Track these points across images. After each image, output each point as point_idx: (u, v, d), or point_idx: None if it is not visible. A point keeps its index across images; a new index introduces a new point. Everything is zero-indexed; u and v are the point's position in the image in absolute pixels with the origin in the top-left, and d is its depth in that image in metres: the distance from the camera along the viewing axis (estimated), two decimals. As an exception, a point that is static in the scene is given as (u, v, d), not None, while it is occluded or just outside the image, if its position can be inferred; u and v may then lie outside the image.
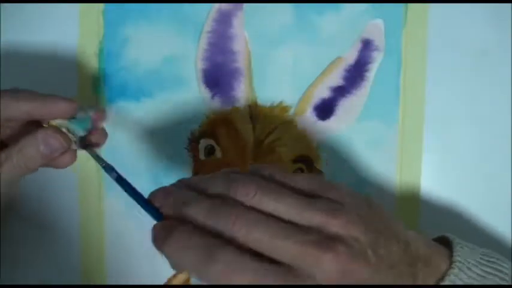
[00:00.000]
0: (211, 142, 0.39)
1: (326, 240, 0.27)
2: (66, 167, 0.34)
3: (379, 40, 0.39)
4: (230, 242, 0.27)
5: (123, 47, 0.38)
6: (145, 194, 0.38)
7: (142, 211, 0.29)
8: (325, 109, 0.40)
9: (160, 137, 0.39)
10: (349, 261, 0.27)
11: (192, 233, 0.27)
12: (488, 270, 0.31)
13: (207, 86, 0.39)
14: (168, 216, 0.29)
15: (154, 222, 0.29)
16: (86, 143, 0.34)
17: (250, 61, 0.39)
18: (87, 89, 0.38)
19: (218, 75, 0.39)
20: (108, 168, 0.32)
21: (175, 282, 0.40)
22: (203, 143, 0.39)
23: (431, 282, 0.31)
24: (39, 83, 0.38)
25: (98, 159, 0.33)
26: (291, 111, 0.39)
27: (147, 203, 0.29)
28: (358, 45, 0.39)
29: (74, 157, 0.34)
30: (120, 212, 0.39)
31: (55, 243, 0.39)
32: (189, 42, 0.38)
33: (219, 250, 0.27)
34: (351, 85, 0.40)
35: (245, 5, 0.38)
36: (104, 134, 0.35)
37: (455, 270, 0.31)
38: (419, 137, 0.40)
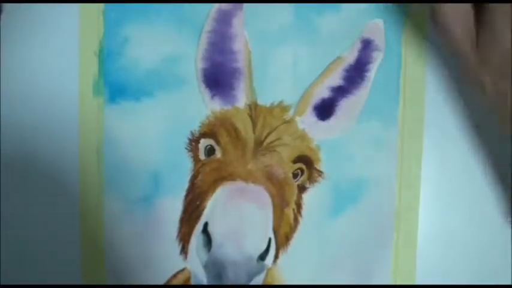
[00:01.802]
0: (211, 142, 0.39)
1: None
2: None
3: (379, 40, 0.40)
4: None
5: (123, 47, 0.38)
6: (143, 195, 0.39)
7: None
8: (325, 109, 0.40)
9: (161, 137, 0.39)
10: None
11: None
12: None
13: (207, 86, 0.39)
14: None
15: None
16: None
17: (250, 61, 0.39)
18: (87, 88, 0.38)
19: (218, 75, 0.39)
20: None
21: (175, 282, 0.40)
22: (203, 143, 0.39)
23: None
24: (39, 83, 0.38)
25: None
26: (291, 111, 0.39)
27: None
28: (358, 45, 0.39)
29: None
30: (120, 212, 0.39)
31: (55, 243, 0.39)
32: (189, 42, 0.38)
33: None
34: (351, 85, 0.40)
35: (245, 5, 0.38)
36: None
37: None
38: (419, 137, 0.40)
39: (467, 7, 0.32)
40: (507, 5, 0.31)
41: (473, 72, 0.32)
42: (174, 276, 0.40)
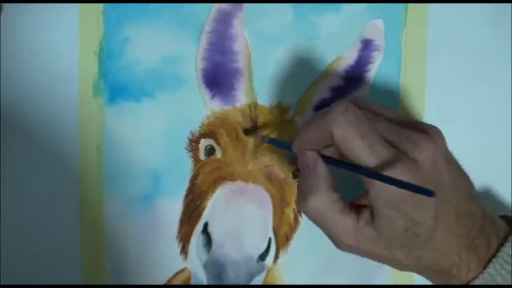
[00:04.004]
0: (211, 142, 0.39)
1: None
2: None
3: (379, 40, 0.40)
4: None
5: (123, 47, 0.38)
6: (143, 195, 0.39)
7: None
8: (325, 109, 0.40)
9: (161, 137, 0.39)
10: (441, 153, 0.32)
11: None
12: None
13: (207, 86, 0.39)
14: None
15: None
16: None
17: (250, 61, 0.39)
18: (87, 89, 0.38)
19: (218, 75, 0.39)
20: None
21: (176, 282, 0.40)
22: (203, 143, 0.39)
23: (494, 240, 0.33)
24: (39, 84, 0.38)
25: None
26: (291, 111, 0.39)
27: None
28: (358, 45, 0.39)
29: None
30: (120, 212, 0.39)
31: (55, 244, 0.39)
32: (189, 42, 0.38)
33: None
34: (351, 85, 0.40)
35: (245, 5, 0.38)
36: None
37: None
38: (419, 137, 0.40)
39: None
40: (390, 192, 0.31)
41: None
42: (174, 276, 0.40)
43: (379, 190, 0.31)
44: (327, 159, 0.34)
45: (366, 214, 0.33)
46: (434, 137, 0.32)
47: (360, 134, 0.31)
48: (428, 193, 0.29)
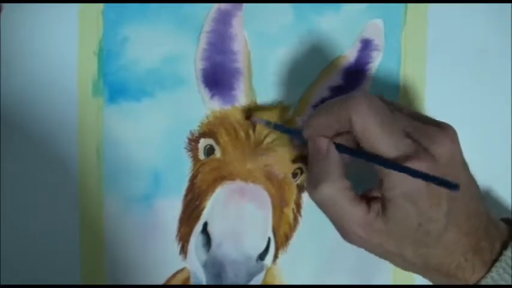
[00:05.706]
0: (211, 142, 0.39)
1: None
2: None
3: (378, 40, 0.40)
4: None
5: (123, 47, 0.38)
6: (142, 195, 0.39)
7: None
8: (325, 109, 0.40)
9: (160, 137, 0.39)
10: (457, 149, 0.32)
11: None
12: None
13: (207, 86, 0.39)
14: None
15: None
16: None
17: (250, 61, 0.39)
18: (87, 89, 0.38)
19: (218, 75, 0.39)
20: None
21: (175, 282, 0.40)
22: (203, 142, 0.39)
23: (498, 244, 0.33)
24: (39, 83, 0.38)
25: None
26: (291, 111, 0.39)
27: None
28: (358, 45, 0.40)
29: None
30: (120, 211, 0.39)
31: (55, 244, 0.39)
32: (189, 42, 0.38)
33: None
34: (351, 85, 0.40)
35: (245, 5, 0.38)
36: None
37: None
38: (419, 137, 0.40)
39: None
40: (407, 184, 0.31)
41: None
42: (174, 276, 0.40)
43: (395, 181, 0.31)
44: (339, 148, 0.33)
45: (376, 206, 0.32)
46: (450, 133, 0.32)
47: (380, 123, 0.31)
48: (453, 186, 0.28)
